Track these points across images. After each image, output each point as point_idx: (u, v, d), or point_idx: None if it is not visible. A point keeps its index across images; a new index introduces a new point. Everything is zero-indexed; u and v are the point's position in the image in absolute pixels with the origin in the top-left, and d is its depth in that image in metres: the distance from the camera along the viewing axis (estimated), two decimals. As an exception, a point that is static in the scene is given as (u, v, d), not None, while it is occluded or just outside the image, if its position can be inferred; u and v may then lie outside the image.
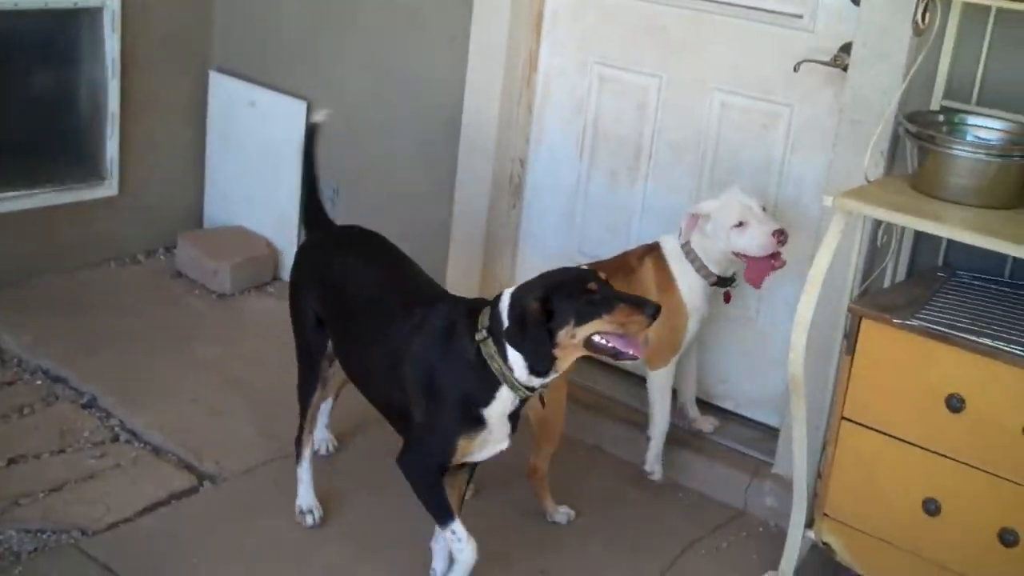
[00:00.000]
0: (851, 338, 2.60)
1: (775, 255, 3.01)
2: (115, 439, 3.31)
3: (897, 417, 2.56)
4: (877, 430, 2.60)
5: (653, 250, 3.17)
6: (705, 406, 3.49)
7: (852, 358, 2.60)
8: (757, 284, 3.04)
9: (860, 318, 2.58)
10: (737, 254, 3.03)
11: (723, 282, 3.13)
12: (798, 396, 2.67)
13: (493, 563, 2.79)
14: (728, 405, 3.49)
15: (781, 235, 2.98)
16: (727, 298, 3.19)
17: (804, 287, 2.60)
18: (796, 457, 2.76)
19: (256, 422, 3.42)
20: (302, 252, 3.03)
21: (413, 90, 3.91)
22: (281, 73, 4.27)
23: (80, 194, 4.23)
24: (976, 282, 2.75)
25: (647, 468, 3.27)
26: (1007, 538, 2.45)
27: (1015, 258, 2.72)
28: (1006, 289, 2.71)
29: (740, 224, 2.99)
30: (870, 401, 2.60)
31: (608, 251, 3.60)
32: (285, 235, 4.33)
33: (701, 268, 3.09)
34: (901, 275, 2.95)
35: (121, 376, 3.57)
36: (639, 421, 3.39)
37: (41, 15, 3.96)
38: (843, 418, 2.64)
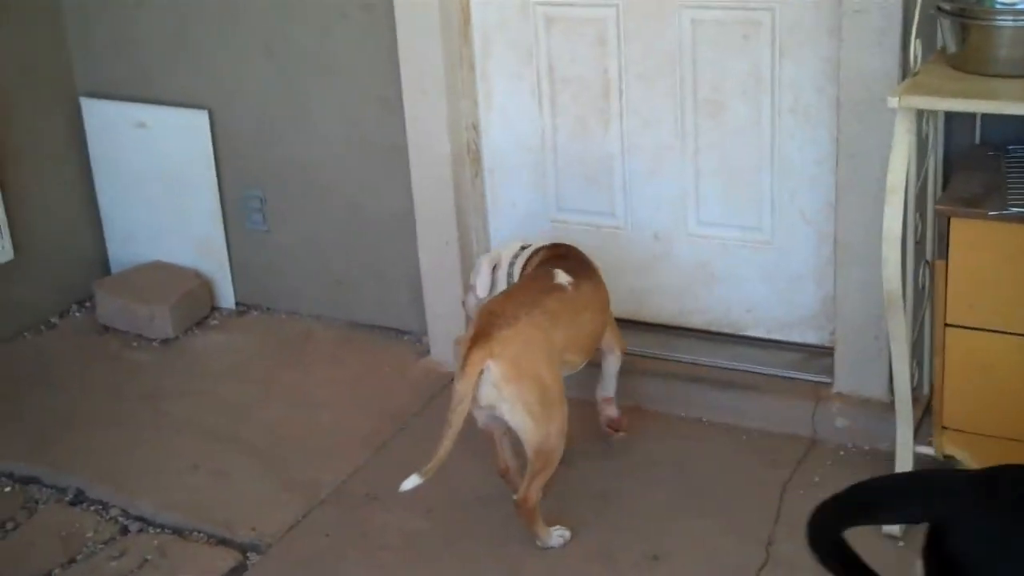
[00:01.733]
0: (942, 240, 2.45)
1: None
2: (124, 531, 2.92)
3: (1007, 312, 2.44)
4: (987, 329, 2.47)
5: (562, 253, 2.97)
6: (735, 339, 3.32)
7: (947, 261, 2.46)
8: None
9: (949, 218, 2.43)
10: None
11: None
12: (896, 313, 2.50)
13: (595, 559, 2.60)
14: (759, 332, 3.31)
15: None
16: None
17: (886, 198, 2.42)
18: (898, 374, 2.60)
19: (270, 474, 3.08)
20: None
21: (331, 73, 3.54)
22: (167, 85, 3.82)
23: (-29, 268, 3.72)
24: (1032, 154, 2.64)
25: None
26: None
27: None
28: (1067, 155, 2.61)
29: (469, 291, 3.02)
30: (974, 302, 2.46)
31: (592, 204, 3.39)
32: (213, 259, 3.92)
33: None
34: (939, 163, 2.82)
35: (99, 458, 3.16)
36: (678, 372, 3.22)
37: None
38: (947, 325, 2.50)
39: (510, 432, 2.69)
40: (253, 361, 3.62)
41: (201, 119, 3.75)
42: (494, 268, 3.02)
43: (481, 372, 2.54)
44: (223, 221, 3.84)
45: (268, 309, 3.90)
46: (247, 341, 3.74)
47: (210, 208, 3.84)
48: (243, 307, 3.93)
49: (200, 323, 3.86)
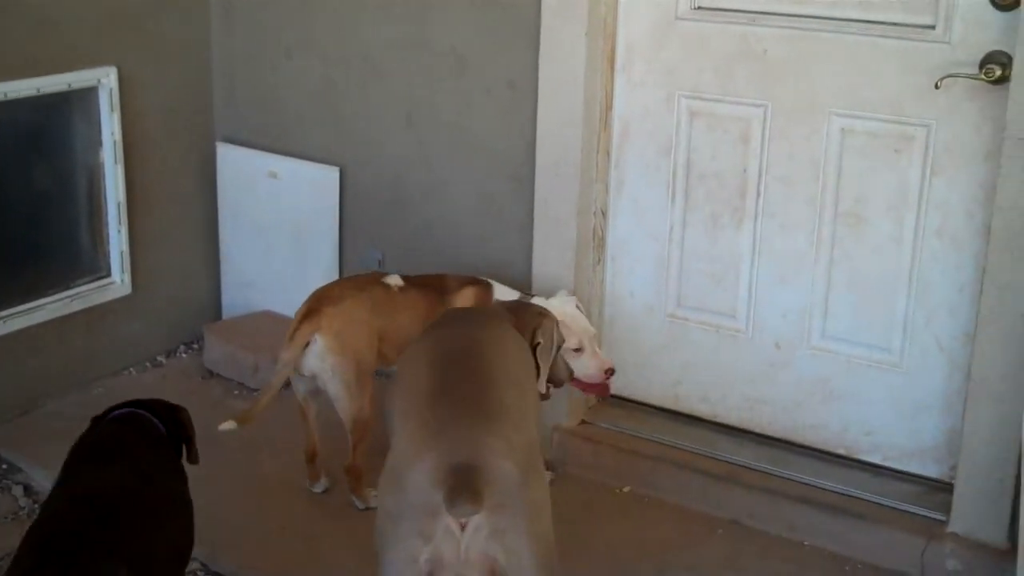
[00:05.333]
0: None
1: (602, 386, 3.11)
2: (205, 588, 2.87)
3: None
4: None
5: (478, 284, 3.18)
6: (849, 461, 3.17)
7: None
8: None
9: (1103, 364, 2.28)
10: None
11: None
12: (1034, 459, 2.36)
13: None
14: (875, 458, 3.16)
15: (611, 373, 3.08)
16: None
17: (1037, 336, 2.29)
18: (1025, 526, 2.44)
19: (362, 543, 2.99)
20: None
21: (467, 145, 3.52)
22: (303, 138, 3.85)
23: (89, 299, 3.74)
24: None
25: None
26: None
27: None
28: None
29: (578, 349, 3.03)
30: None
31: (713, 303, 3.29)
32: (323, 316, 3.89)
33: None
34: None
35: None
36: (786, 490, 3.09)
37: (32, 103, 3.48)
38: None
39: (321, 416, 3.10)
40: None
41: (332, 175, 3.76)
42: None
43: (308, 344, 2.94)
44: (339, 277, 3.83)
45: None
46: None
47: (328, 263, 3.83)
48: (349, 366, 3.89)
49: (304, 378, 3.83)
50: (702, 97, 3.19)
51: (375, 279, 3.18)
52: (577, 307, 3.13)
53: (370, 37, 3.62)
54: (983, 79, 2.75)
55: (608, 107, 3.32)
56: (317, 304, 3.04)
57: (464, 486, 1.96)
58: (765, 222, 3.18)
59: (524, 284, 3.41)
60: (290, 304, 3.94)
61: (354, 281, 3.22)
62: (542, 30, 3.24)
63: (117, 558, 2.03)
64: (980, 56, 2.77)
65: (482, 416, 2.11)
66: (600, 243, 3.42)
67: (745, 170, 3.17)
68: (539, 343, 2.68)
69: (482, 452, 2.03)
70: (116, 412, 2.47)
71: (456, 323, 2.55)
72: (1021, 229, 2.66)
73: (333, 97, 3.75)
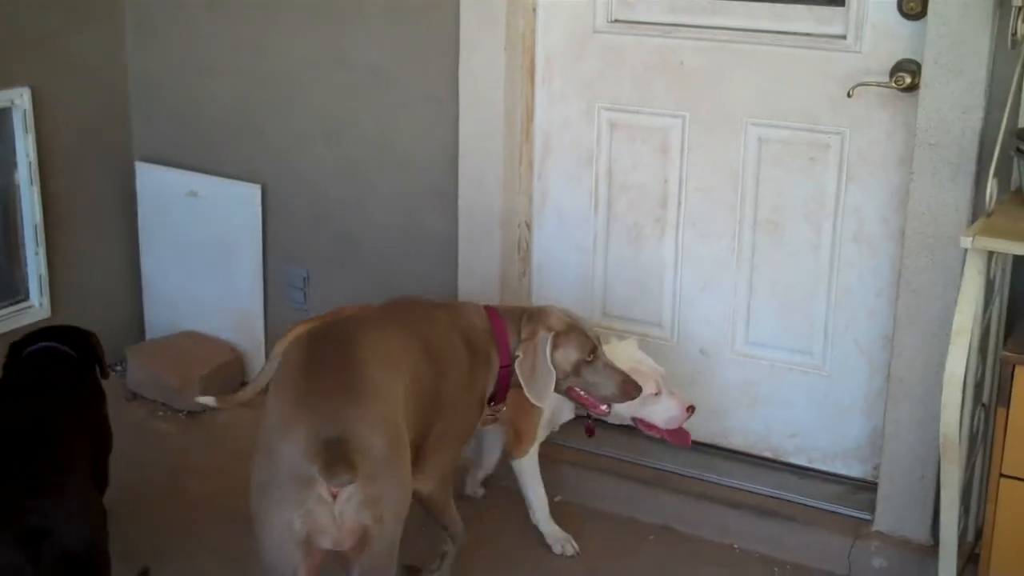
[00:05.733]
0: (1004, 389, 2.36)
1: (681, 430, 2.95)
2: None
3: (1070, 467, 2.34)
4: (1048, 484, 2.37)
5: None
6: (776, 464, 3.22)
7: (1008, 410, 2.36)
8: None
9: (1014, 366, 2.34)
10: (637, 419, 2.91)
11: None
12: (952, 459, 2.41)
13: None
14: (801, 461, 3.21)
15: (692, 411, 2.94)
16: (589, 432, 2.99)
17: (951, 339, 2.34)
18: (946, 523, 2.50)
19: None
20: None
21: (388, 159, 3.51)
22: (223, 156, 3.81)
23: (7, 323, 3.65)
24: (1102, 304, 2.55)
25: (557, 550, 3.04)
26: None
27: None
28: None
29: (657, 393, 2.90)
30: (1035, 454, 2.36)
31: (639, 312, 3.32)
32: (248, 335, 3.86)
33: None
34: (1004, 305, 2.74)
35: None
36: (714, 495, 3.12)
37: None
38: (1003, 475, 2.40)
39: None
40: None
41: (253, 192, 3.73)
42: None
43: None
44: (263, 296, 3.80)
45: (300, 390, 3.83)
46: (276, 421, 3.66)
47: (251, 282, 3.80)
48: (275, 386, 3.86)
49: (230, 398, 3.79)
50: (621, 109, 3.22)
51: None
52: (640, 349, 3.03)
53: (288, 52, 3.60)
54: (894, 87, 2.81)
55: (529, 119, 3.33)
56: (319, 316, 3.07)
57: (339, 457, 2.09)
58: (687, 231, 3.21)
59: (451, 296, 3.42)
60: (213, 324, 3.92)
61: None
62: (461, 43, 3.24)
63: (65, 470, 2.43)
64: (890, 65, 2.83)
65: (352, 392, 2.25)
66: (525, 255, 3.43)
67: (666, 180, 3.21)
68: (518, 356, 2.70)
69: (354, 425, 2.18)
70: (31, 348, 2.85)
71: (358, 314, 2.76)
72: (934, 233, 2.72)
73: (252, 114, 3.72)
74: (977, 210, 2.59)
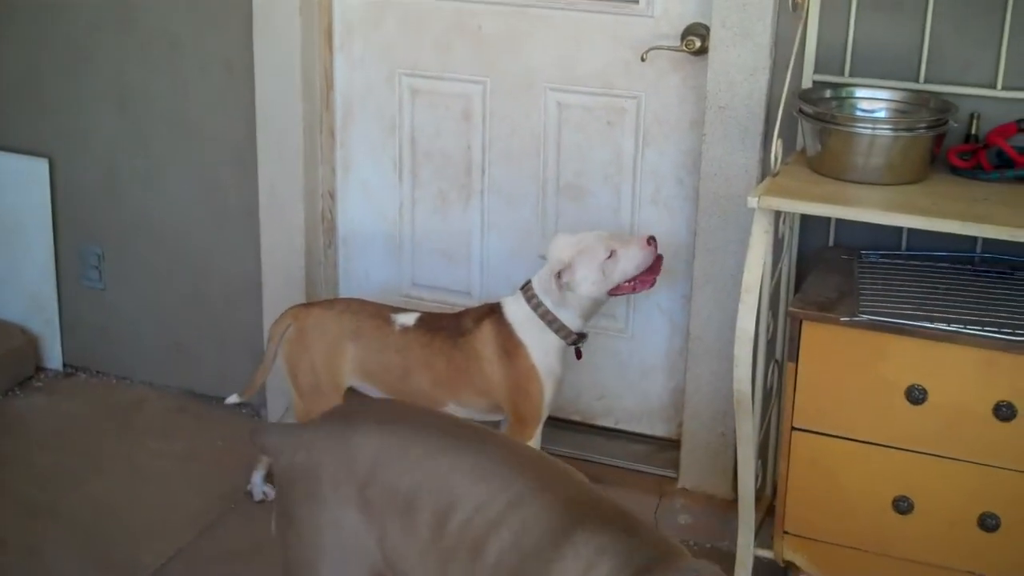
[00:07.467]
0: (792, 343, 2.43)
1: (657, 260, 2.76)
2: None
3: (854, 419, 2.42)
4: (833, 435, 2.44)
5: (493, 313, 2.82)
6: (584, 427, 3.25)
7: (796, 364, 2.43)
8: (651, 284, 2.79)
9: (801, 321, 2.41)
10: (614, 289, 2.74)
11: (580, 338, 2.82)
12: (745, 414, 2.47)
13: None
14: (608, 422, 3.26)
15: (653, 240, 2.73)
16: (579, 355, 2.90)
17: (741, 296, 2.39)
18: (742, 477, 2.56)
19: (85, 553, 2.86)
20: None
21: (186, 131, 3.38)
22: (6, 129, 3.60)
23: None
24: (884, 260, 2.64)
25: None
26: (988, 523, 2.36)
27: (910, 231, 2.65)
28: (917, 263, 2.60)
29: (611, 255, 2.70)
30: (822, 407, 2.44)
31: (447, 280, 3.30)
32: (41, 316, 3.68)
33: (561, 329, 2.76)
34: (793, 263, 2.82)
35: None
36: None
37: None
38: (794, 428, 2.47)
39: None
40: (78, 428, 3.39)
41: (40, 168, 3.55)
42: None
43: (289, 326, 2.86)
44: (56, 276, 3.63)
45: (99, 373, 3.68)
46: (73, 406, 3.51)
47: (42, 262, 3.63)
48: (71, 369, 3.70)
49: (23, 384, 3.61)
50: (422, 75, 3.18)
51: (378, 311, 2.89)
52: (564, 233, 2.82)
53: (74, 17, 3.42)
54: (684, 51, 2.85)
55: (329, 86, 3.26)
56: (314, 302, 3.08)
57: None
58: (491, 198, 3.20)
59: (254, 271, 3.34)
60: (3, 307, 3.72)
61: (366, 303, 2.96)
62: (254, 7, 3.14)
63: None
64: (681, 28, 2.87)
65: None
66: (330, 226, 3.37)
67: (469, 147, 3.18)
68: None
69: None
70: None
71: None
72: (726, 194, 2.78)
73: (36, 83, 3.53)
74: (766, 170, 2.64)
